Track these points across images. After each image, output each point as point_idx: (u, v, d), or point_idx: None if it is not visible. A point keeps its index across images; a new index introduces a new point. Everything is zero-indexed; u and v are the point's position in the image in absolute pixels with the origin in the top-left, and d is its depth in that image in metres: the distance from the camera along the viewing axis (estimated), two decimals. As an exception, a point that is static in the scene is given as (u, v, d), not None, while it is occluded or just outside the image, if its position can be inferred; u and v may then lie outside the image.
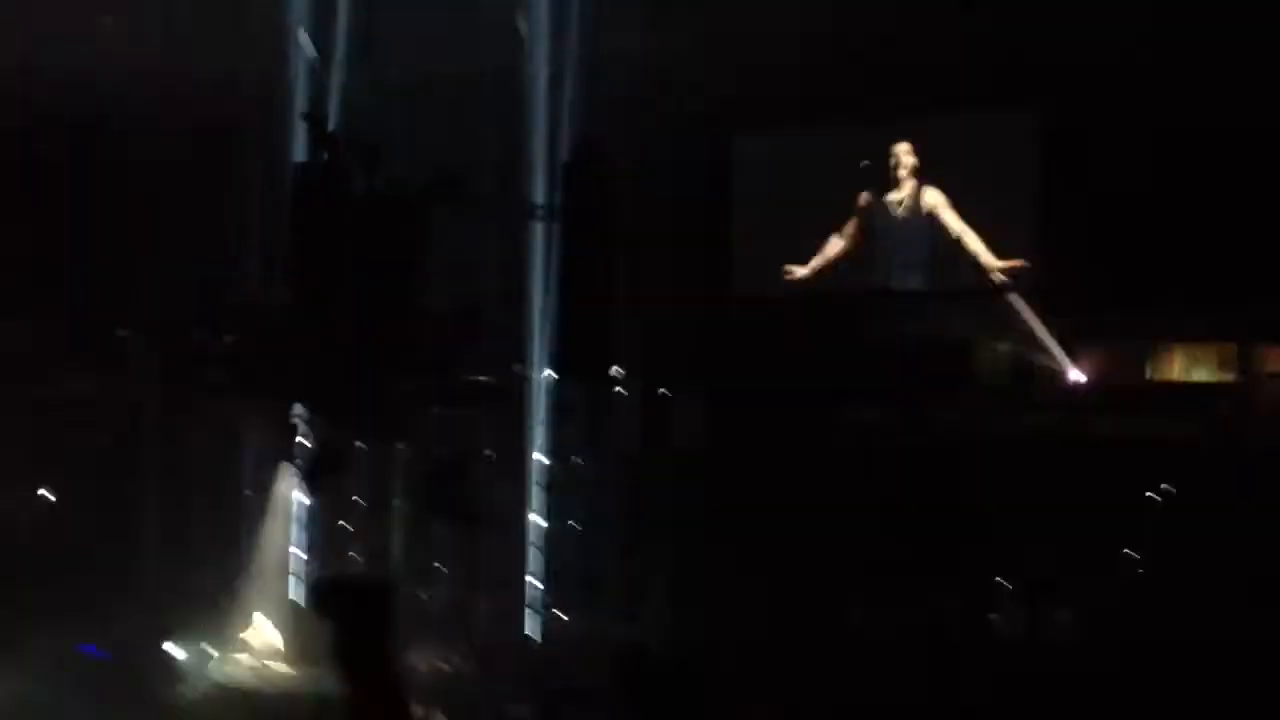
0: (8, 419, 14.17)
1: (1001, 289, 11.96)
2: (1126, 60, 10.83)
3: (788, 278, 13.10)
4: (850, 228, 12.87)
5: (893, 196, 12.53)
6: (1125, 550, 11.00)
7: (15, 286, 14.07)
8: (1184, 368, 11.77)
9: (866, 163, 12.59)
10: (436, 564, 14.53)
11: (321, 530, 15.31)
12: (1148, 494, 10.93)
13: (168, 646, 14.17)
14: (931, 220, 12.32)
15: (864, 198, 12.75)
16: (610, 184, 12.52)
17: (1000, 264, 11.93)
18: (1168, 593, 10.64)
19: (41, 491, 15.37)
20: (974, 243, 12.05)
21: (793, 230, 13.07)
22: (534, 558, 13.88)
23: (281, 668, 14.00)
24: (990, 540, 11.36)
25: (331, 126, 12.85)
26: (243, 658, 13.98)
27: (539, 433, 13.99)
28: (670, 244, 13.22)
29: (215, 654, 14.20)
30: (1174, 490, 10.85)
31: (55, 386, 14.61)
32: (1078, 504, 10.71)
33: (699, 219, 13.33)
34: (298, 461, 14.49)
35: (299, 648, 14.30)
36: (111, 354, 15.17)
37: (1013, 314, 11.87)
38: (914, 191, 12.44)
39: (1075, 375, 11.69)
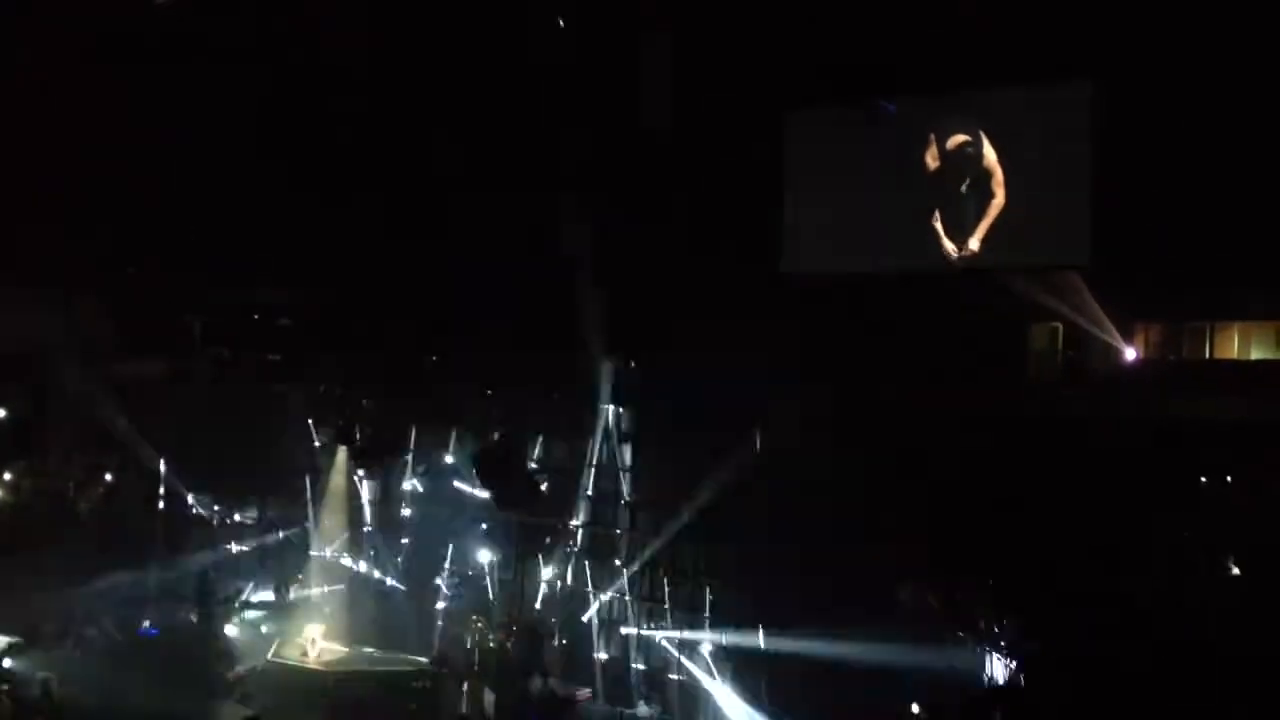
0: (81, 398, 14.49)
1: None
2: (1186, 36, 10.63)
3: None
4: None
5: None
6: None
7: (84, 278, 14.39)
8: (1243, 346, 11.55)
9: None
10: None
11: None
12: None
13: (227, 627, 14.45)
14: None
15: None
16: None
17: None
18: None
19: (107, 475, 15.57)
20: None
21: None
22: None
23: (333, 648, 14.21)
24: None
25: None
26: (299, 640, 14.16)
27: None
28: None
29: (273, 635, 14.55)
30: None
31: (124, 368, 14.85)
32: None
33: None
34: (356, 444, 14.73)
35: (353, 630, 14.62)
36: (178, 339, 15.37)
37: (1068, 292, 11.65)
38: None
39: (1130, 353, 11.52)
